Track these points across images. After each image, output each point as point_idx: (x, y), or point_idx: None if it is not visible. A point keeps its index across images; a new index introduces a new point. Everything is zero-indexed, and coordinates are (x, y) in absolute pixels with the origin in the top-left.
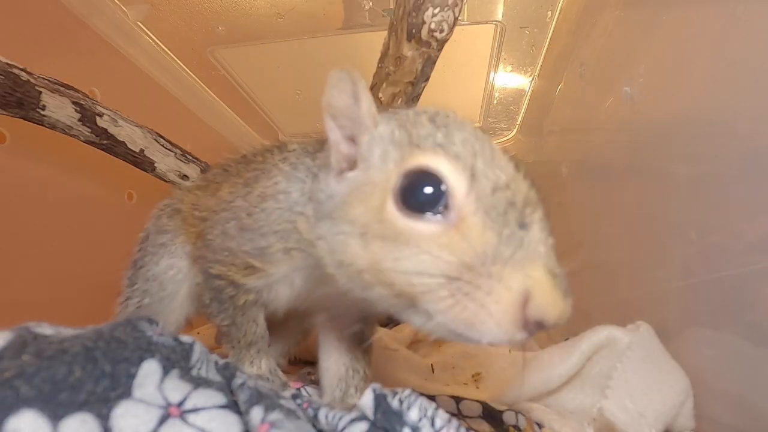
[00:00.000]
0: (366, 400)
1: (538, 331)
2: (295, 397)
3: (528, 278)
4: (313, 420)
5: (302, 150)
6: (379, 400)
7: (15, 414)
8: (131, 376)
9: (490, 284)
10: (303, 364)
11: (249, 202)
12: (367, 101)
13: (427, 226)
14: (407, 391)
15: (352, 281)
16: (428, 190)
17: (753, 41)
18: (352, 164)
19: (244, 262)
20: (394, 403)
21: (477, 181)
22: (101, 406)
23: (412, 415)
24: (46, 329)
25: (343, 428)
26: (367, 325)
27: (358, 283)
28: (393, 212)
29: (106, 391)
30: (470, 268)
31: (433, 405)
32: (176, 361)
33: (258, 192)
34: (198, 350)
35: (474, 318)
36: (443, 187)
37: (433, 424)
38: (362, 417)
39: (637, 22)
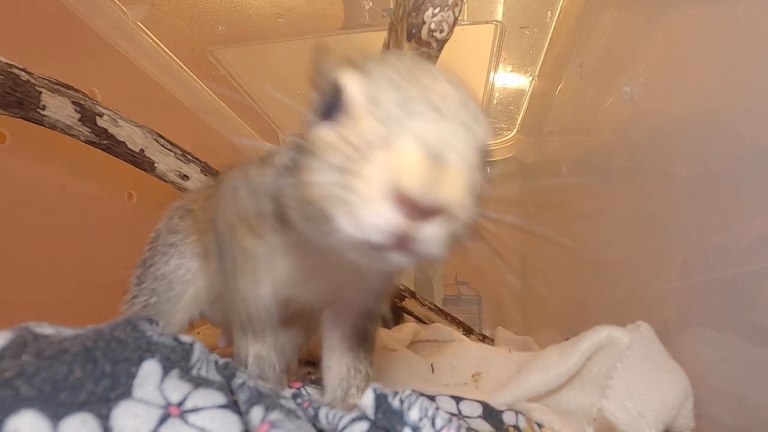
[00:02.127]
0: (366, 400)
1: (424, 221)
2: (295, 396)
3: (395, 154)
4: (314, 419)
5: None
6: (380, 400)
7: (15, 414)
8: (131, 376)
9: (362, 168)
10: (303, 364)
11: (252, 169)
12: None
13: (325, 131)
14: (408, 391)
15: (301, 215)
16: (330, 99)
17: (753, 41)
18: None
19: (247, 221)
20: (395, 403)
21: (377, 82)
22: (101, 406)
23: (413, 415)
24: (46, 329)
25: (344, 428)
26: (376, 302)
27: (302, 215)
28: (309, 130)
29: (107, 390)
30: (348, 155)
31: (434, 405)
32: (176, 360)
33: (261, 162)
34: (198, 350)
35: (350, 208)
36: (343, 94)
37: (433, 424)
38: (363, 417)
39: (637, 22)
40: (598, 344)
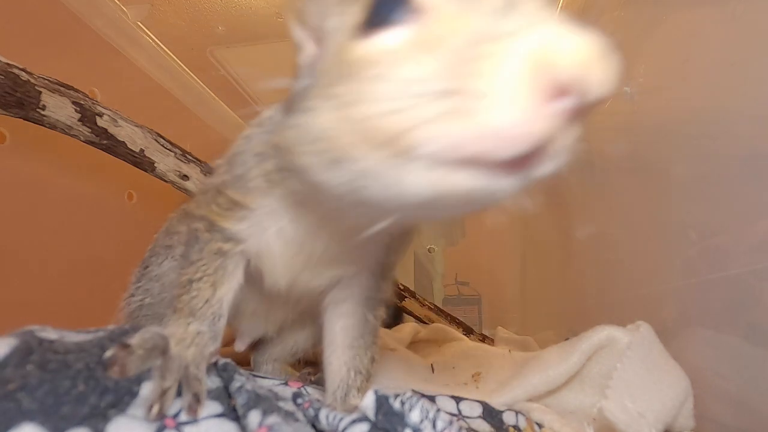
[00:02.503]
0: (367, 402)
1: (578, 112)
2: (296, 396)
3: (536, 35)
4: (314, 420)
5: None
6: (381, 402)
7: (16, 427)
8: (133, 395)
9: (483, 66)
10: (303, 364)
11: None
12: None
13: (389, 39)
14: (409, 393)
15: (332, 168)
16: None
17: (753, 41)
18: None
19: (226, 198)
20: (396, 404)
21: None
22: (98, 421)
23: (414, 416)
24: (50, 333)
25: (344, 429)
26: (381, 277)
27: (339, 165)
28: (353, 46)
29: (108, 406)
30: (453, 67)
31: (435, 407)
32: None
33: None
34: None
35: (478, 122)
36: None
37: (434, 426)
38: (363, 418)
39: (637, 22)
40: (598, 344)
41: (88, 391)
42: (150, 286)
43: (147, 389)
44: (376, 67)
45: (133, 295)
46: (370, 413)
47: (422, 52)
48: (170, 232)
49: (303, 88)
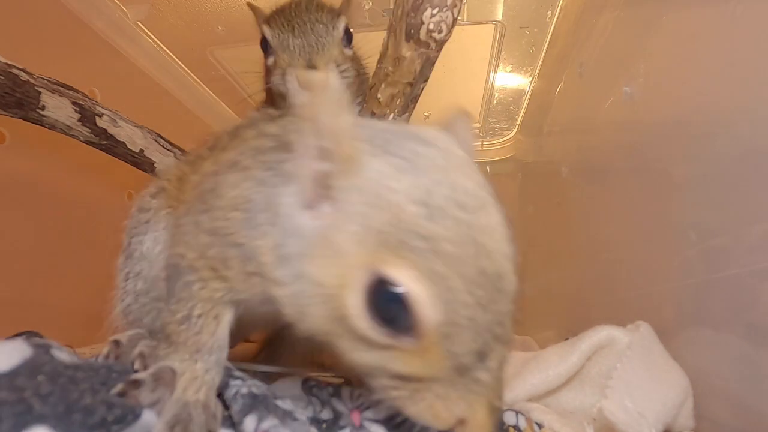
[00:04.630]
0: None
1: None
2: (306, 381)
3: (470, 409)
4: (335, 395)
5: (278, 144)
6: None
7: (29, 429)
8: (137, 416)
9: (438, 402)
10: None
11: (220, 202)
12: (352, 132)
13: (390, 341)
14: None
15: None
16: (398, 312)
17: (753, 41)
18: (322, 194)
19: (211, 264)
20: None
21: (450, 310)
22: None
23: None
24: (64, 354)
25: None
26: None
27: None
28: (360, 313)
29: (116, 421)
30: (425, 387)
31: None
32: None
33: (229, 195)
34: None
35: (420, 412)
36: (414, 316)
37: None
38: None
39: (637, 22)
40: (598, 344)
41: (96, 404)
42: (140, 267)
43: (148, 416)
44: (373, 345)
45: (123, 287)
46: None
47: (409, 361)
48: (144, 209)
49: (301, 232)
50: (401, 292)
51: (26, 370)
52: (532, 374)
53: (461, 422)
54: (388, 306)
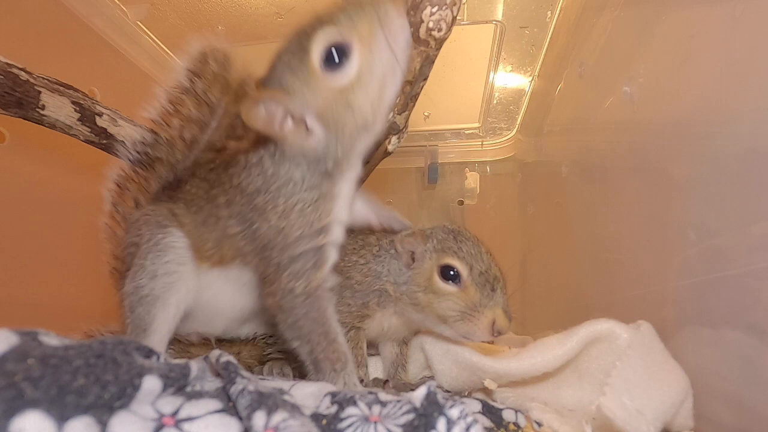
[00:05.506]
0: (419, 394)
1: (498, 336)
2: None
3: (494, 314)
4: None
5: (384, 247)
6: (430, 395)
7: (20, 414)
8: (136, 388)
9: (479, 315)
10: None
11: (362, 274)
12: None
13: (452, 289)
14: (457, 397)
15: (418, 313)
16: (452, 273)
17: (753, 41)
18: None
19: (359, 311)
20: (440, 399)
21: (473, 270)
22: (103, 413)
23: (453, 412)
24: (53, 339)
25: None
26: None
27: (421, 313)
28: (437, 281)
29: (112, 398)
30: (470, 307)
31: (474, 418)
32: (175, 378)
33: (366, 269)
34: (195, 369)
35: (472, 328)
36: (457, 272)
37: (468, 428)
38: (412, 409)
39: (637, 22)
40: (598, 334)
41: (89, 384)
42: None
43: (149, 383)
44: (445, 295)
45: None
46: (418, 402)
47: (461, 298)
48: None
49: (405, 277)
50: (451, 265)
51: (14, 355)
52: (531, 354)
53: (493, 323)
54: (447, 275)
